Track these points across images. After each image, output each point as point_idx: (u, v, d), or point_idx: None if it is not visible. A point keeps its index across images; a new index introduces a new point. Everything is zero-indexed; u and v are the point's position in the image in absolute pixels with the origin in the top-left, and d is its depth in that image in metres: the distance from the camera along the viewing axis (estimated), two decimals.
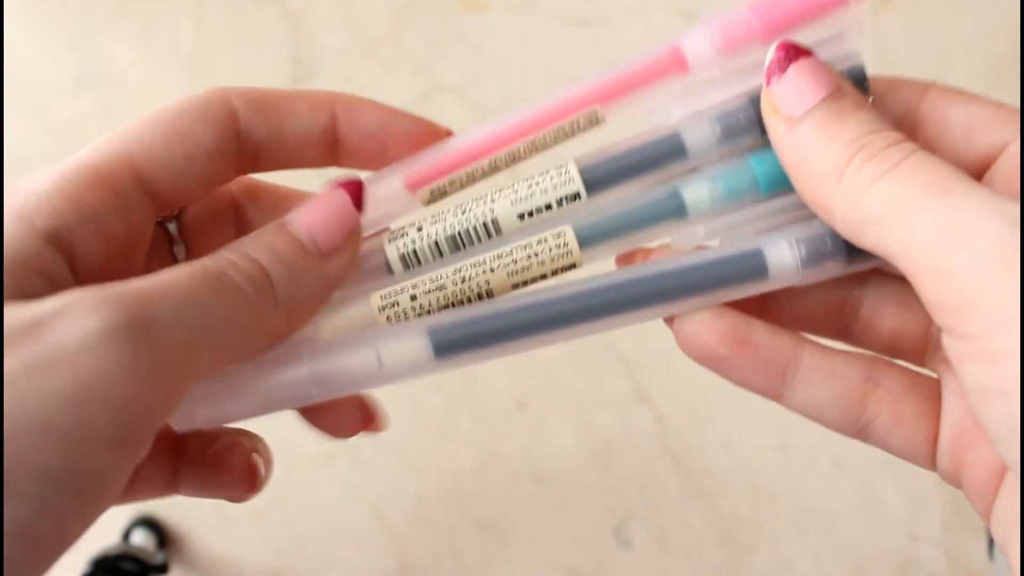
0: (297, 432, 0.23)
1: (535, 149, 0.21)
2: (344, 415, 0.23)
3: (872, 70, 0.20)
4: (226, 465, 0.23)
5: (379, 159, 0.23)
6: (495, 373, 0.77)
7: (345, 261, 0.21)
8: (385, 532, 0.72)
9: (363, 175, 0.22)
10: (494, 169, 0.22)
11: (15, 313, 0.17)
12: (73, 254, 0.20)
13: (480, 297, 0.21)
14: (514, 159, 0.22)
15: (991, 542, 0.61)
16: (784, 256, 0.20)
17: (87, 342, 0.16)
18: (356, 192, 0.21)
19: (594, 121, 0.21)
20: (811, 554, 0.70)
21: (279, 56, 0.86)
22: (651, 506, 0.70)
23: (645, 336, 0.77)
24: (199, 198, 0.22)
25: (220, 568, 0.78)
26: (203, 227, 0.23)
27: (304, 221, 0.21)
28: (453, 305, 0.21)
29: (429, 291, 0.21)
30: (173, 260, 0.23)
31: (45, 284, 0.19)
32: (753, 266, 0.20)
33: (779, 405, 0.21)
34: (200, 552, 0.79)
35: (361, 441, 0.75)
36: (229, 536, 0.79)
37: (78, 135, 0.89)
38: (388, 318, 0.21)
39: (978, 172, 0.20)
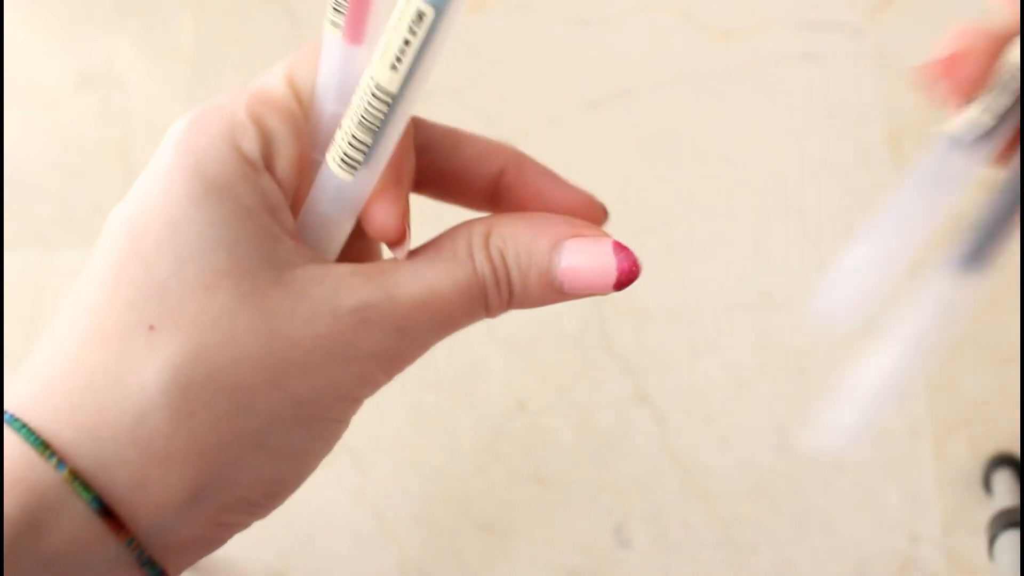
0: None
1: None
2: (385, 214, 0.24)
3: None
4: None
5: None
6: (495, 373, 0.76)
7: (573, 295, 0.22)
8: (385, 532, 0.72)
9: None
10: None
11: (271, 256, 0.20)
12: (270, 140, 0.22)
13: (375, 97, 0.21)
14: None
15: (991, 542, 0.61)
16: None
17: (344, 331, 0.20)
18: (626, 270, 0.21)
19: None
20: (811, 554, 0.70)
21: (279, 56, 0.86)
22: (651, 506, 0.70)
23: (645, 336, 0.77)
24: None
25: (220, 568, 0.78)
26: None
27: (567, 268, 0.21)
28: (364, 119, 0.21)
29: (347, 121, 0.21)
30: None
31: (241, 158, 0.21)
32: None
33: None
34: None
35: (361, 441, 0.75)
36: None
37: (78, 135, 0.89)
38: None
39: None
